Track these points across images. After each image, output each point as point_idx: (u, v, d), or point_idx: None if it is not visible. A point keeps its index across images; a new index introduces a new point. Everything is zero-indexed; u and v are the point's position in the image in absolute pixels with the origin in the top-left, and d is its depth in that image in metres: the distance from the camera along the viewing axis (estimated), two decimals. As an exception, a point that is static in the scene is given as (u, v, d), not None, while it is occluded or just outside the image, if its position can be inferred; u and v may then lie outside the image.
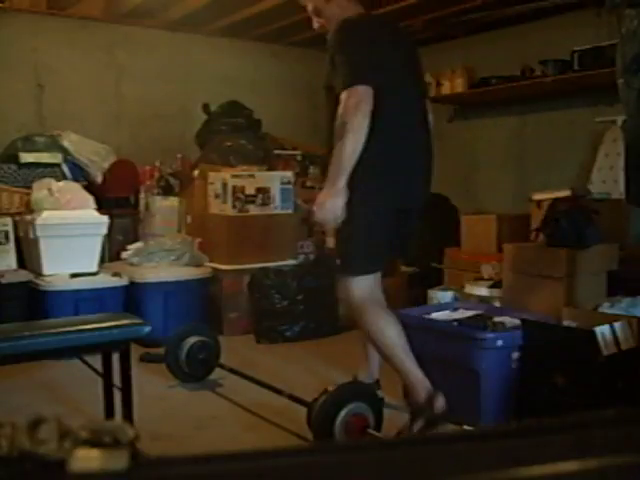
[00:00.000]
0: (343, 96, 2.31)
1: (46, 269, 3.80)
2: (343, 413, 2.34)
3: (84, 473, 0.40)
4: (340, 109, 2.31)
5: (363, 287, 2.43)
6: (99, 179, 4.70)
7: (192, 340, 3.28)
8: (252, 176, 4.36)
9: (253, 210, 4.32)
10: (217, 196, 4.40)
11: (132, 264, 4.16)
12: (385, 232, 2.47)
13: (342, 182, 2.31)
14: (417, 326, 2.98)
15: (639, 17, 2.41)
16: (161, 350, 3.35)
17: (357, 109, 2.28)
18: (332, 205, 2.33)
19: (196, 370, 3.27)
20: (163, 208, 4.72)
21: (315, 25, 2.67)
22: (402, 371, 2.46)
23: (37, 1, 4.86)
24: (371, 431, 2.41)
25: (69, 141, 4.65)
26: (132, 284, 3.97)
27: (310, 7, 2.64)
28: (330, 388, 2.41)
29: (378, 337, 2.46)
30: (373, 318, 2.44)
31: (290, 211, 4.47)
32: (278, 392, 2.93)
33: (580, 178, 4.48)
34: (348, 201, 2.35)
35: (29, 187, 4.14)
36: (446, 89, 5.21)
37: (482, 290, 3.58)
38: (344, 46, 2.43)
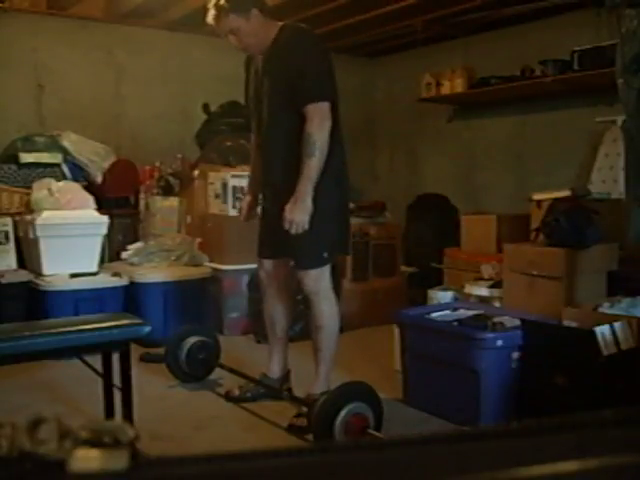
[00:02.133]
0: (309, 111, 2.52)
1: (46, 269, 3.80)
2: (343, 413, 2.34)
3: (84, 473, 0.40)
4: (308, 126, 2.51)
5: (329, 275, 2.74)
6: (99, 179, 4.70)
7: (192, 340, 3.28)
8: (252, 176, 4.35)
9: (253, 210, 4.31)
10: (217, 196, 4.40)
11: (132, 264, 4.16)
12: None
13: (311, 197, 2.54)
14: (417, 326, 2.99)
15: (639, 17, 2.42)
16: (161, 350, 3.35)
17: (323, 127, 2.52)
18: (304, 221, 2.54)
19: (196, 370, 3.27)
20: (163, 208, 4.72)
21: (234, 42, 2.70)
22: (328, 359, 2.76)
23: (37, 1, 4.86)
24: (371, 431, 2.41)
25: (69, 141, 4.64)
26: (132, 284, 3.97)
27: (228, 29, 2.64)
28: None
29: (333, 323, 2.76)
30: (333, 305, 2.76)
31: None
32: (278, 392, 2.93)
33: (580, 178, 4.48)
34: (319, 202, 2.58)
35: (29, 187, 4.13)
36: (446, 89, 5.21)
37: (482, 290, 3.58)
38: (310, 56, 2.60)
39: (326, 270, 2.73)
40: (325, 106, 2.55)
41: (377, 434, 2.41)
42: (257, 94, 2.79)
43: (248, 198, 3.06)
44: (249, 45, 2.70)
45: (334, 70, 2.68)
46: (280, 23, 2.73)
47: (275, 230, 2.71)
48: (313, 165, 2.52)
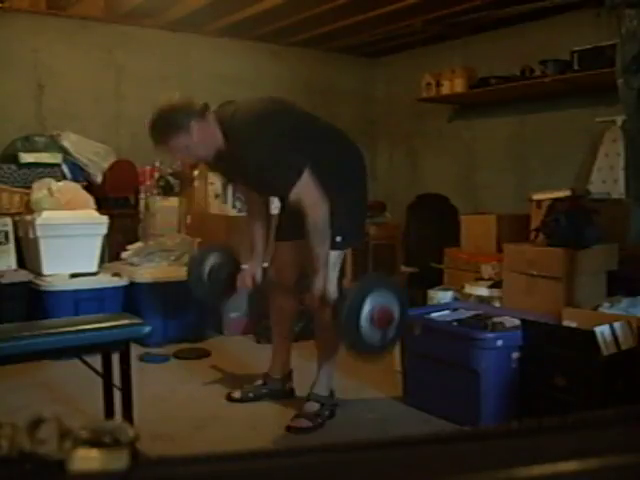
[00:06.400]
0: (295, 196, 2.49)
1: (46, 269, 3.80)
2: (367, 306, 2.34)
3: (84, 473, 0.40)
4: (304, 210, 2.49)
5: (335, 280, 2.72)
6: (99, 179, 4.70)
7: (213, 260, 3.10)
8: (252, 176, 4.35)
9: (253, 210, 4.30)
10: (217, 196, 4.40)
11: (132, 264, 4.16)
12: None
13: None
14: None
15: (639, 17, 2.42)
16: (161, 350, 3.34)
17: (315, 202, 2.49)
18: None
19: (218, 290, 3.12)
20: (163, 208, 4.71)
21: (187, 160, 2.73)
22: (330, 359, 2.81)
23: (37, 1, 4.85)
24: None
25: (69, 141, 4.64)
26: (132, 284, 3.97)
27: (176, 150, 2.64)
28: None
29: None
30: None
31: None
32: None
33: (580, 178, 4.48)
34: (340, 194, 2.61)
35: (29, 187, 4.13)
36: (446, 89, 5.21)
37: (482, 290, 3.58)
38: (262, 154, 2.50)
39: (333, 275, 2.70)
40: (304, 180, 2.49)
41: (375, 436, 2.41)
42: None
43: (249, 267, 3.03)
44: (201, 156, 2.68)
45: (296, 122, 2.64)
46: (215, 116, 2.62)
47: (295, 213, 2.69)
48: (323, 246, 2.55)
